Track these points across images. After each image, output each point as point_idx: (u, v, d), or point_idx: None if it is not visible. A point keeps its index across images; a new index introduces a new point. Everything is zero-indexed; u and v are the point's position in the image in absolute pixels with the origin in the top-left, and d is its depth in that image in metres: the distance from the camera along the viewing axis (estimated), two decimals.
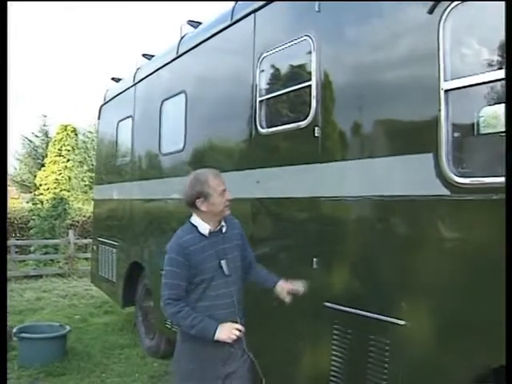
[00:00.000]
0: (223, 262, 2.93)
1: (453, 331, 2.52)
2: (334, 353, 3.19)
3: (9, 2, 3.22)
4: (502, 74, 2.40)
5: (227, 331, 2.83)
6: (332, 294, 3.28)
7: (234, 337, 2.84)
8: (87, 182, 24.37)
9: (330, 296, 3.27)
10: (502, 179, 2.28)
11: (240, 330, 2.88)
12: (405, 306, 2.75)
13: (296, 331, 3.54)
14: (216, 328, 2.83)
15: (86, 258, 13.12)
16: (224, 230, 3.02)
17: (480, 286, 2.43)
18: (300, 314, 3.49)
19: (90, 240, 13.34)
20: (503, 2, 2.21)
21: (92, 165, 24.99)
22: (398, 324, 2.75)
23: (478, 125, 2.64)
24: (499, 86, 4.13)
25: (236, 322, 2.92)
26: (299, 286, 3.11)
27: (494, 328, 2.33)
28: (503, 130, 2.26)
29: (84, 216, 15.91)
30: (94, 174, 22.75)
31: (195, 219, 3.01)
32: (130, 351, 6.31)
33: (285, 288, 3.11)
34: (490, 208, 2.40)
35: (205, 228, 2.96)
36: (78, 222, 15.30)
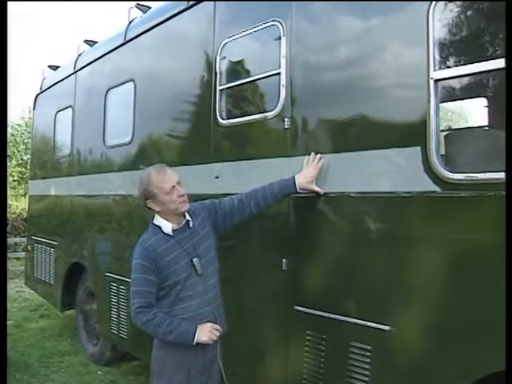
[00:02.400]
0: (195, 260, 2.75)
1: (444, 337, 2.35)
2: (306, 360, 2.98)
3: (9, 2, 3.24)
4: (492, 64, 2.27)
5: (208, 332, 2.67)
6: (304, 297, 3.06)
7: (215, 337, 2.70)
8: (16, 178, 23.18)
9: (302, 299, 3.06)
10: (498, 175, 2.16)
11: (219, 330, 2.73)
12: (390, 311, 2.57)
13: (264, 337, 3.30)
14: (195, 330, 2.65)
15: (17, 258, 12.43)
16: (191, 224, 2.82)
17: (473, 288, 2.28)
18: (268, 319, 3.27)
19: (21, 238, 12.69)
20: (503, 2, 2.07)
21: (21, 159, 23.83)
22: (382, 330, 2.56)
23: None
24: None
25: (214, 321, 2.74)
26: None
27: (487, 333, 2.20)
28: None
29: (14, 213, 15.01)
30: (23, 169, 21.85)
31: (157, 219, 2.82)
32: (71, 359, 5.85)
33: (308, 181, 2.92)
34: (485, 206, 2.25)
35: (167, 227, 2.76)
36: (7, 220, 14.39)
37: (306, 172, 2.95)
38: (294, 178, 2.96)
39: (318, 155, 2.96)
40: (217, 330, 2.72)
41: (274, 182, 3.01)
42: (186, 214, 2.83)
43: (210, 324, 2.71)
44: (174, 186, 2.72)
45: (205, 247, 2.84)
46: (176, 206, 2.73)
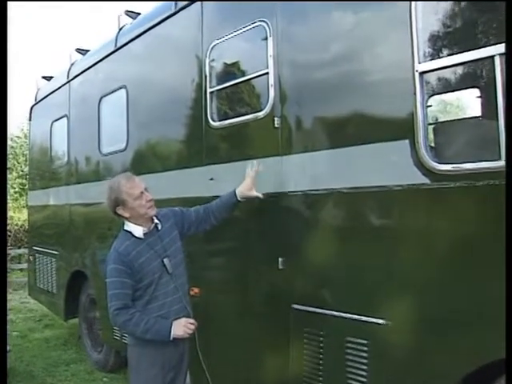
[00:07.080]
0: (166, 260, 2.92)
1: (437, 329, 2.36)
2: (305, 357, 2.98)
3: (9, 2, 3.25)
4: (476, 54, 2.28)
5: (183, 327, 2.84)
6: (300, 295, 3.06)
7: (191, 331, 2.83)
8: (17, 189, 23.26)
9: (298, 298, 3.06)
10: (487, 164, 2.16)
11: (194, 324, 2.91)
12: (384, 305, 2.57)
13: (263, 336, 3.30)
14: (171, 326, 2.81)
15: (21, 269, 12.46)
16: (159, 226, 3.00)
17: (465, 280, 2.28)
18: (266, 318, 3.27)
19: (25, 250, 12.71)
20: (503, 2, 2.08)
21: (22, 171, 23.85)
22: (377, 324, 2.56)
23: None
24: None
25: (187, 316, 2.93)
26: (253, 176, 3.17)
27: (480, 324, 2.20)
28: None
29: (16, 225, 15.04)
30: (24, 180, 21.91)
31: (127, 225, 2.97)
32: (76, 367, 5.86)
33: (247, 189, 3.17)
34: (474, 196, 2.25)
35: (139, 230, 2.92)
36: (10, 232, 14.41)
37: (244, 182, 3.20)
38: (236, 191, 3.21)
39: (254, 162, 3.22)
40: (191, 323, 2.88)
41: (223, 195, 3.28)
42: (154, 218, 2.99)
43: (184, 319, 2.88)
44: (142, 192, 2.90)
45: (174, 249, 3.01)
46: (145, 211, 2.91)
